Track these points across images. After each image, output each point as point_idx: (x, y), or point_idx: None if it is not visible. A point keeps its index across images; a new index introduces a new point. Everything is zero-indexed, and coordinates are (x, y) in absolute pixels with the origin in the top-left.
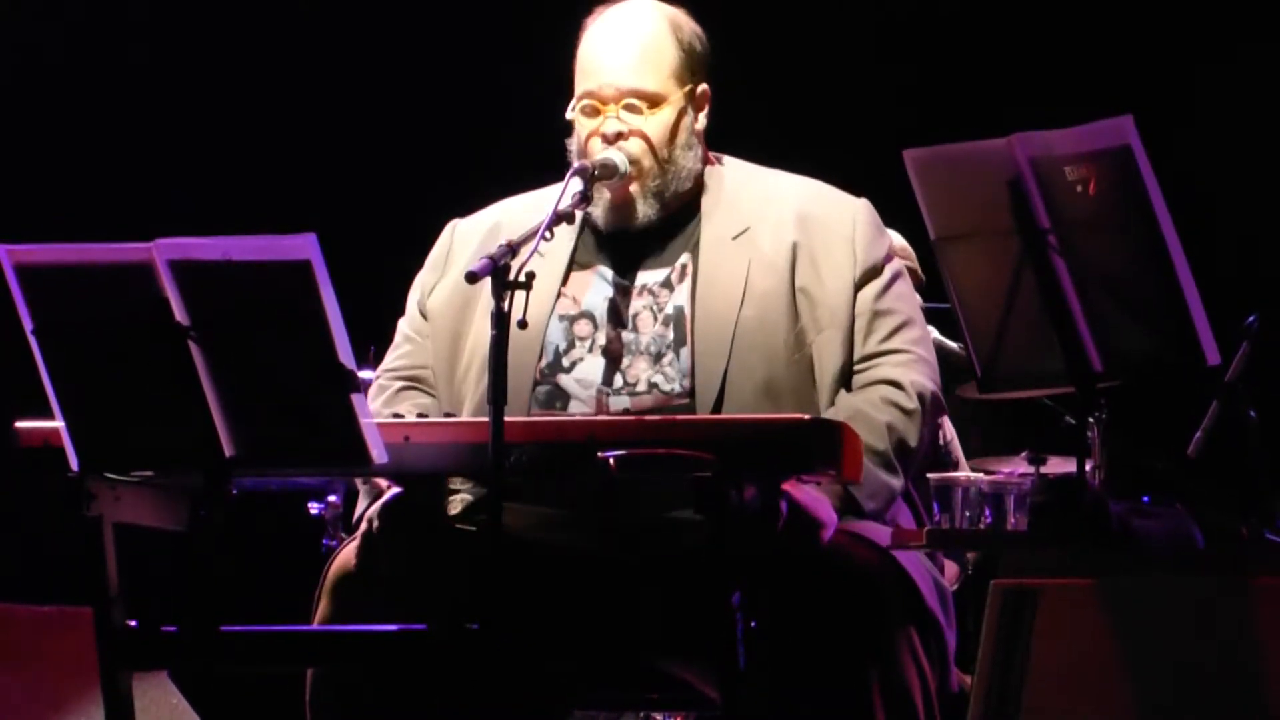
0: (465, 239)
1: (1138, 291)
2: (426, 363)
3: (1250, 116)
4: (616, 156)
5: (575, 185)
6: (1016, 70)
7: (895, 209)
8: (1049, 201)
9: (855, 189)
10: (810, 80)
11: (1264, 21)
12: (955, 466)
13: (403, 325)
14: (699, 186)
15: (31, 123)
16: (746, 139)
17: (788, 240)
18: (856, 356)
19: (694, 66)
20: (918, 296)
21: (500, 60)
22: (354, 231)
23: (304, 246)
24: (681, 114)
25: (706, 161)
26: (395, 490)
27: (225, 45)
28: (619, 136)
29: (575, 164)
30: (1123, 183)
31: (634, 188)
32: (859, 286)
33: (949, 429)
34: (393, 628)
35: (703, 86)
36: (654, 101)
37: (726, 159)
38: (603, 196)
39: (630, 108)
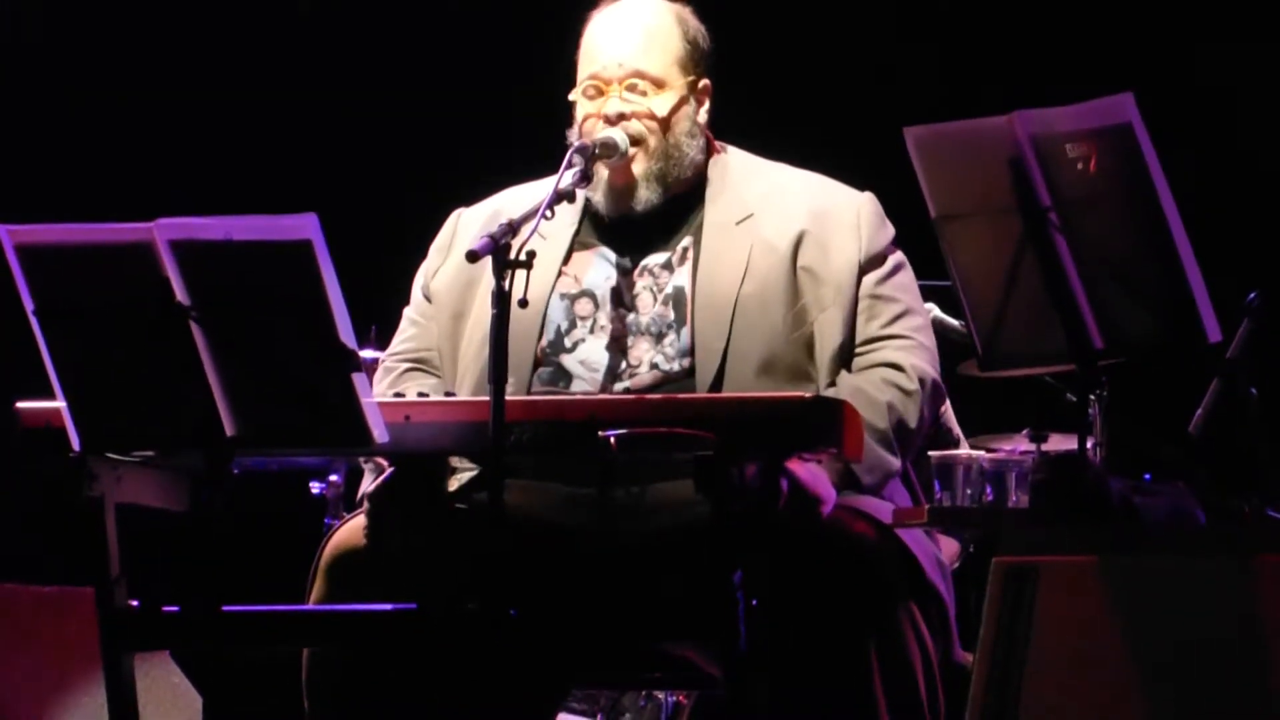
0: (468, 225)
1: (1139, 269)
2: (431, 345)
3: (1251, 92)
4: (617, 135)
5: (576, 164)
6: (1017, 47)
7: (893, 190)
8: (1050, 179)
9: (855, 171)
10: (807, 64)
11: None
12: (956, 444)
13: (408, 311)
14: (703, 176)
15: (32, 103)
16: (744, 122)
17: (795, 228)
18: (858, 340)
19: (697, 60)
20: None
21: (505, 47)
22: (355, 211)
23: (305, 226)
24: (684, 101)
25: (711, 153)
26: (389, 471)
27: (228, 27)
28: (621, 117)
29: (576, 143)
30: (1123, 160)
31: (637, 168)
32: (863, 271)
33: (947, 402)
34: (395, 607)
35: (705, 81)
36: (657, 84)
37: (731, 149)
38: (602, 179)
39: (633, 88)
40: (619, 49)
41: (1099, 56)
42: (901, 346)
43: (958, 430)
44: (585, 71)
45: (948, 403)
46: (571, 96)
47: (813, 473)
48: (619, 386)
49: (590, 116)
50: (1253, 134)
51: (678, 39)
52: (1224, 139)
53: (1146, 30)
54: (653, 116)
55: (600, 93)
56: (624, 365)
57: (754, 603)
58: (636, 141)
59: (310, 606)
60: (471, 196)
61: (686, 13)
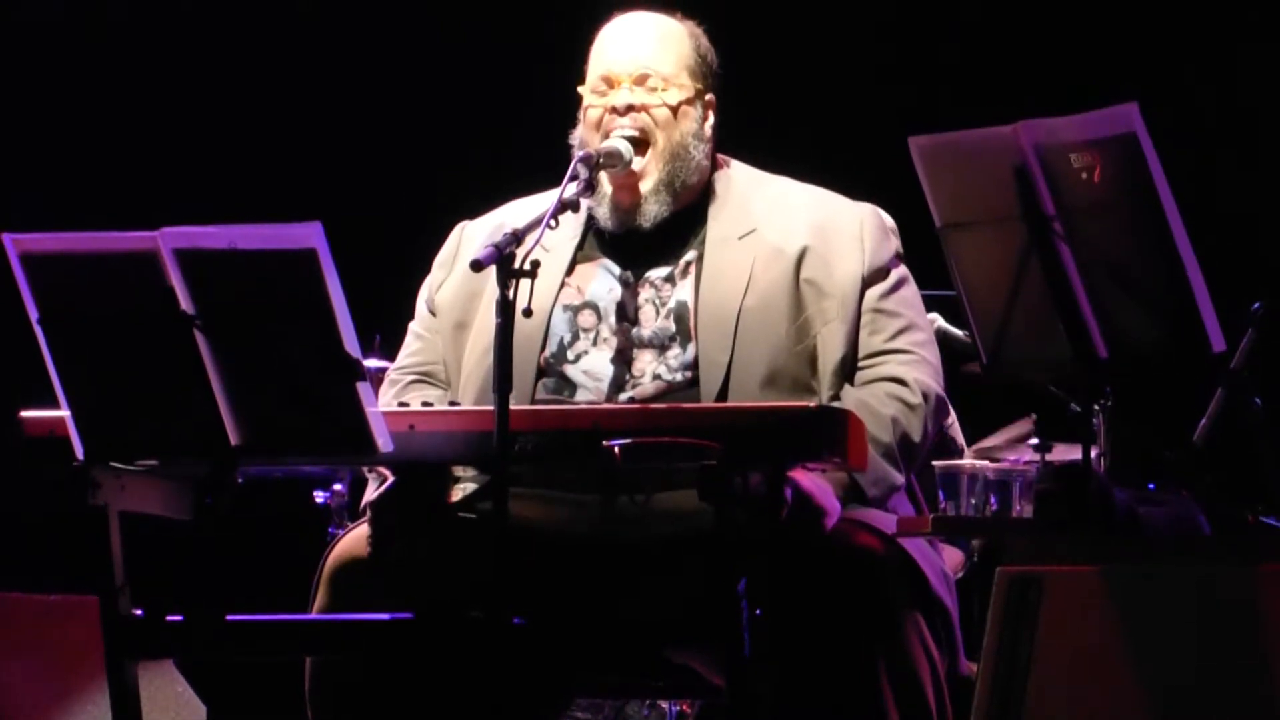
0: (472, 238)
1: (1143, 278)
2: (437, 358)
3: (1255, 102)
4: (621, 145)
5: (580, 173)
6: (1022, 56)
7: (898, 200)
8: (1054, 188)
9: (859, 181)
10: (812, 74)
11: (1268, 6)
12: (959, 453)
13: (413, 326)
14: (707, 189)
15: (36, 110)
16: (747, 134)
17: (798, 243)
18: (861, 354)
19: (705, 73)
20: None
21: (512, 58)
22: (360, 220)
23: (309, 235)
24: (691, 102)
25: (716, 166)
26: (390, 481)
27: (235, 34)
28: (630, 109)
29: (580, 153)
30: (1128, 169)
31: (645, 184)
32: (866, 284)
33: (951, 413)
34: (398, 616)
35: (711, 96)
36: (667, 83)
37: (734, 163)
38: (606, 193)
39: (642, 81)
40: (631, 49)
41: (1104, 66)
42: (905, 361)
43: (961, 441)
44: (596, 72)
45: (953, 413)
46: (580, 89)
47: (817, 484)
48: (623, 396)
49: (597, 108)
50: (1257, 142)
51: (689, 48)
52: (1228, 147)
53: (1150, 39)
54: (663, 106)
55: (611, 86)
56: (628, 376)
57: (757, 612)
58: (642, 145)
59: (313, 616)
60: (476, 204)
61: (698, 31)
